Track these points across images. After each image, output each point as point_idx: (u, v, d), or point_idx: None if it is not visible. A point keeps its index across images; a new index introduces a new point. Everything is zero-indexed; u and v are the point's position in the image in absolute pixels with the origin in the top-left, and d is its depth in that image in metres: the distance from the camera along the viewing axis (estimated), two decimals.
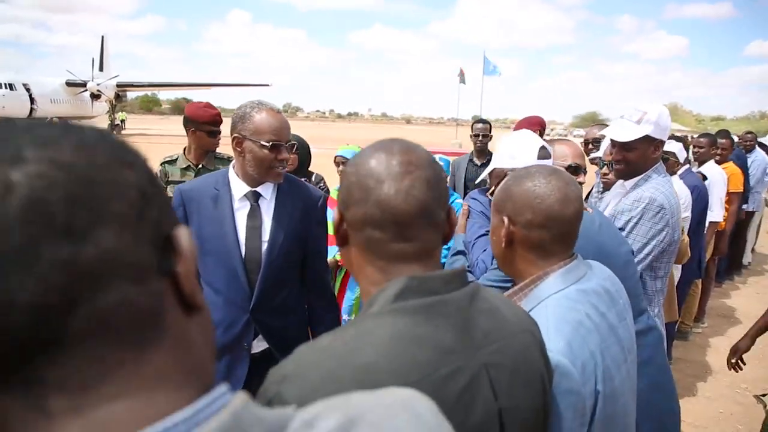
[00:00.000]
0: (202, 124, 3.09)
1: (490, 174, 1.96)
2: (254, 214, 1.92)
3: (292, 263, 1.99)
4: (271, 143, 1.81)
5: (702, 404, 3.78)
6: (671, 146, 4.01)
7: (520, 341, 0.87)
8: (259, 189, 1.93)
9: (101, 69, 37.51)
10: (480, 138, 4.41)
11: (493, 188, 1.90)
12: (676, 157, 3.99)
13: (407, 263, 0.83)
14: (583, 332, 1.07)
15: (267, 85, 50.87)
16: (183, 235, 0.43)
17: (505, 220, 1.19)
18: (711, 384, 4.08)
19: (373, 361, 0.71)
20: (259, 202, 1.93)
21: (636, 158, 2.21)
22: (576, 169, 2.01)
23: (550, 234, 1.17)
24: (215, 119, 3.10)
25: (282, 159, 1.84)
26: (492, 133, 4.50)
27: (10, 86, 27.67)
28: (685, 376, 4.16)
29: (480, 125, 4.46)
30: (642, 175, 2.23)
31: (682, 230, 3.10)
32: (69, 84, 33.41)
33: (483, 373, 0.79)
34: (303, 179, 3.39)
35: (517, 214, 1.18)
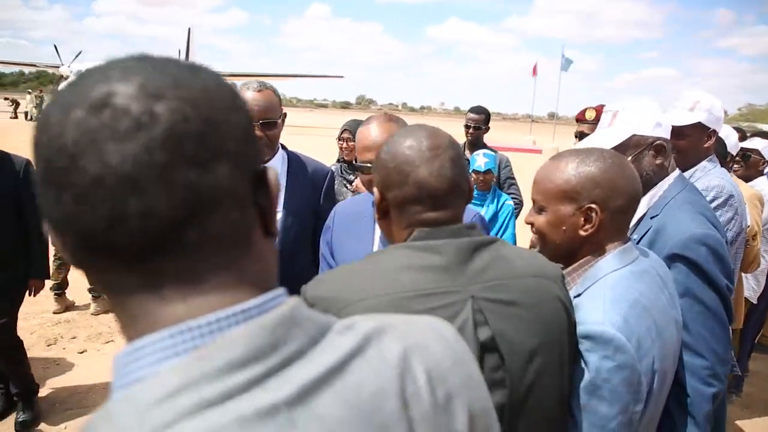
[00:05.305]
0: None
1: (622, 144, 1.59)
2: None
3: (306, 232, 2.09)
4: None
5: None
6: (755, 143, 3.78)
7: (525, 282, 0.96)
8: (268, 165, 2.02)
9: (187, 59, 39.50)
10: (471, 130, 3.95)
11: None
12: (761, 155, 3.75)
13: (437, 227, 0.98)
14: (639, 309, 1.07)
15: (340, 77, 51.84)
16: (272, 173, 0.51)
17: (594, 206, 1.14)
18: None
19: (372, 276, 0.91)
20: None
21: (687, 146, 2.17)
22: None
23: (629, 215, 1.19)
24: None
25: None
26: (488, 126, 4.02)
27: None
28: (759, 391, 3.89)
29: (474, 115, 3.97)
30: (696, 167, 2.19)
31: (755, 236, 2.88)
32: None
33: (468, 299, 0.90)
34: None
35: (608, 200, 1.15)
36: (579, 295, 1.12)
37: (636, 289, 1.10)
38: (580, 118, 3.01)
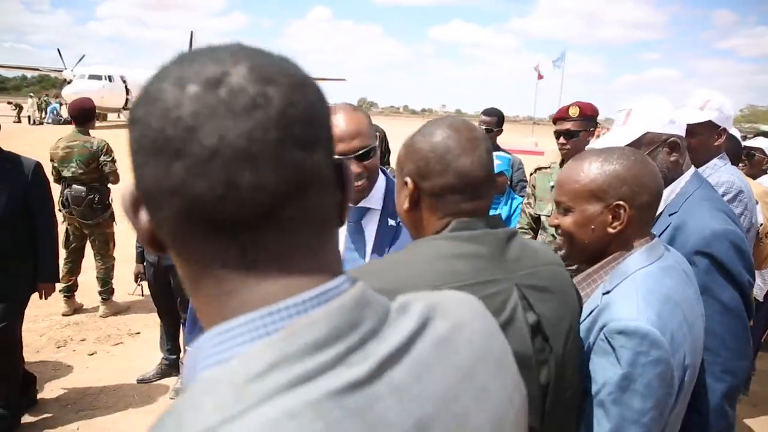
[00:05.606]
0: None
1: (636, 141, 1.62)
2: None
3: None
4: None
5: None
6: (759, 142, 3.81)
7: (550, 270, 1.01)
8: None
9: None
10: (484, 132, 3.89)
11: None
12: (765, 153, 3.80)
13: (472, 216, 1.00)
14: (672, 305, 1.08)
15: (342, 79, 52.04)
16: (349, 167, 0.54)
17: (623, 203, 1.16)
18: None
19: (425, 267, 0.91)
20: None
21: (698, 144, 2.18)
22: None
23: (654, 210, 1.21)
24: None
25: None
26: (501, 128, 3.94)
27: (110, 78, 30.36)
28: (766, 389, 3.90)
29: (486, 118, 3.90)
30: (707, 165, 2.21)
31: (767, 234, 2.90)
32: None
33: (513, 287, 0.94)
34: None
35: (635, 196, 1.16)
36: (608, 292, 1.13)
37: (666, 285, 1.11)
38: (563, 116, 2.81)
